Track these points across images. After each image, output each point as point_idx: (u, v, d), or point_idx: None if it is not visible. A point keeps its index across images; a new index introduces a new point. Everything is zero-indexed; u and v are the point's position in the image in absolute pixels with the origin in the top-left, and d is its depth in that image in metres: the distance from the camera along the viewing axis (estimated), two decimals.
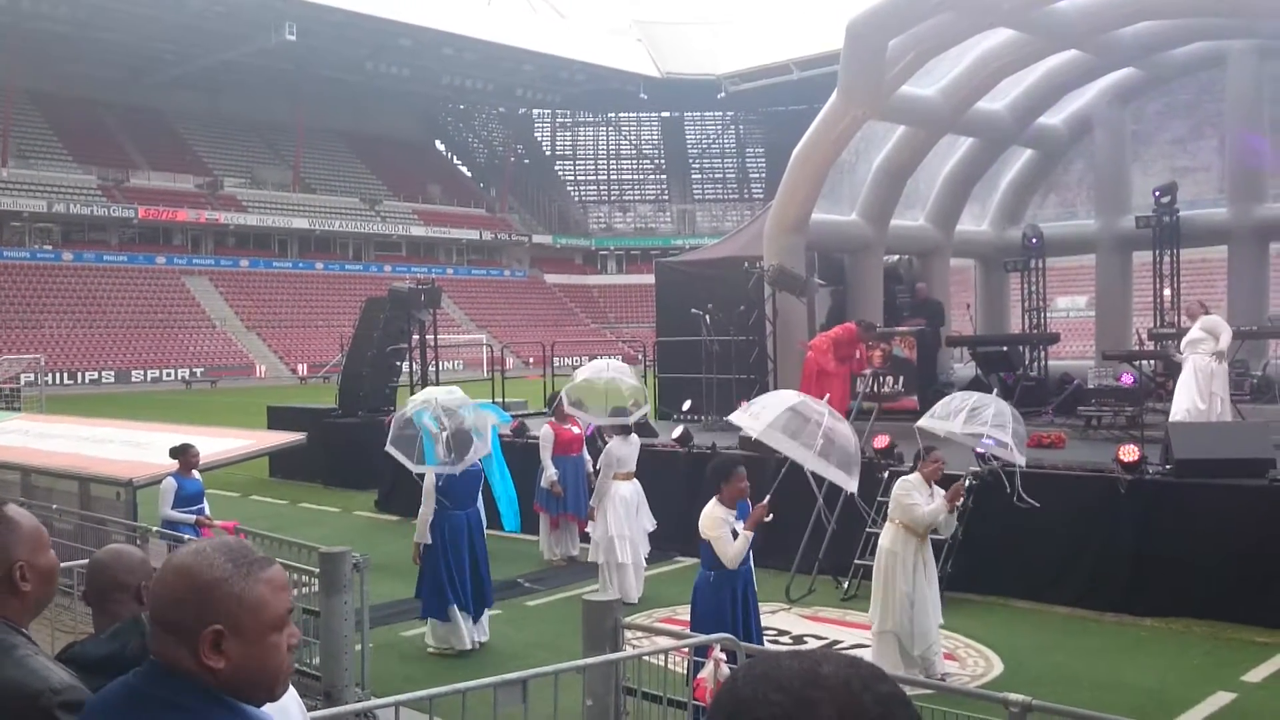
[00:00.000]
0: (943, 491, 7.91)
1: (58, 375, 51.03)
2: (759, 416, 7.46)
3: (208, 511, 9.70)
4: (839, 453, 7.18)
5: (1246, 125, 16.45)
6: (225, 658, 1.85)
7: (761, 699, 1.10)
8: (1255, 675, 7.92)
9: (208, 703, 1.85)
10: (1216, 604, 9.16)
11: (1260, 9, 13.63)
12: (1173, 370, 13.07)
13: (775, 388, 13.92)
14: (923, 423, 8.82)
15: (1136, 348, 16.25)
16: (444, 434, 8.88)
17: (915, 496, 7.81)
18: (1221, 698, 7.46)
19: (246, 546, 1.98)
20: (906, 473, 8.54)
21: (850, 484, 7.34)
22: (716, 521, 6.69)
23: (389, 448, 9.24)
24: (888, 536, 7.97)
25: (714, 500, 6.80)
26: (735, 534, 6.68)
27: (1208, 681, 7.80)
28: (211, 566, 1.88)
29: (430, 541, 8.92)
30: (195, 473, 9.71)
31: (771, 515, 6.96)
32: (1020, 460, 8.72)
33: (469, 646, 8.87)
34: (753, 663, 1.18)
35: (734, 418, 7.57)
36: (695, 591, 6.89)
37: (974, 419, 8.31)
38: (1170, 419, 11.57)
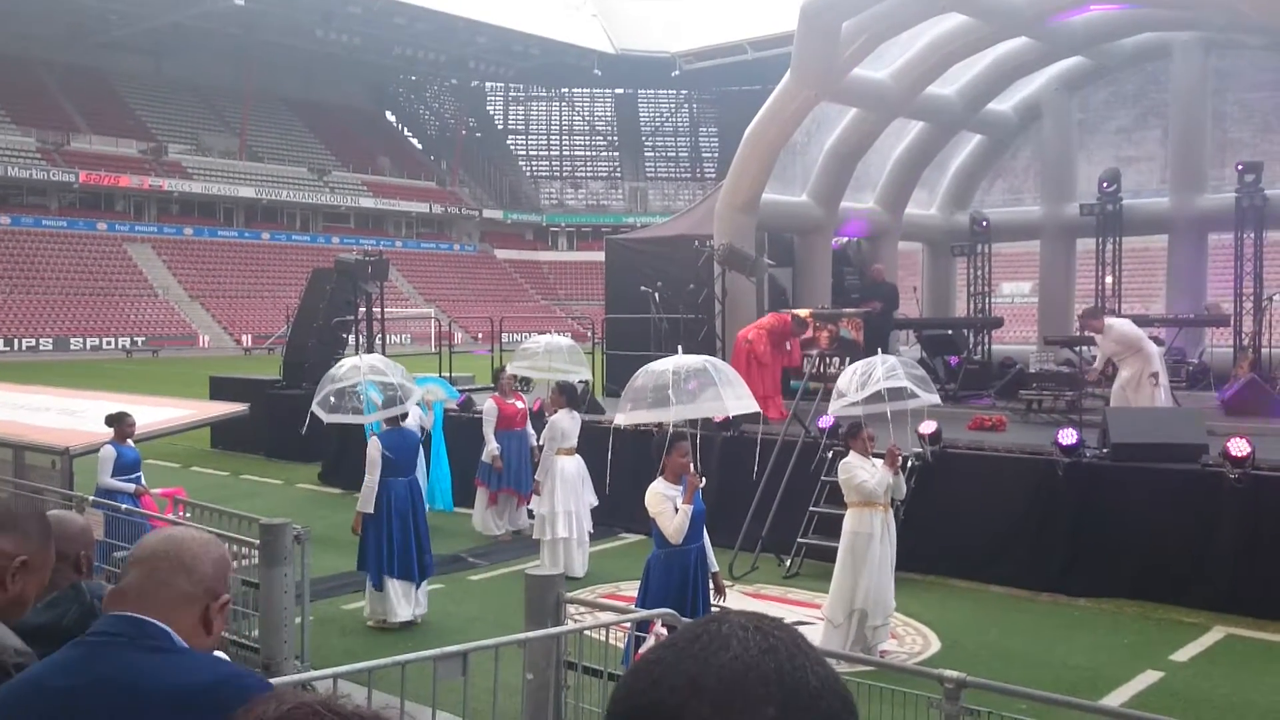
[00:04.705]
0: (879, 461, 8.02)
1: None
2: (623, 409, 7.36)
3: (144, 481, 9.59)
4: (708, 385, 7.09)
5: (1190, 117, 16.73)
6: (216, 626, 2.06)
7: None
8: (1182, 655, 8.13)
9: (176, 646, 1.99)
10: (1148, 585, 9.37)
11: (1203, 2, 13.83)
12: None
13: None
14: (833, 409, 9.06)
15: (1077, 333, 16.50)
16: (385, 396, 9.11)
17: (859, 473, 7.92)
18: (1150, 676, 7.65)
19: None
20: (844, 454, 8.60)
21: (734, 408, 7.26)
22: (658, 498, 6.69)
23: (329, 417, 9.26)
24: (850, 520, 8.04)
25: (659, 477, 6.81)
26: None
27: (1137, 660, 7.98)
28: (220, 544, 2.14)
29: (371, 511, 8.89)
30: (130, 441, 9.57)
31: (704, 480, 6.93)
32: (934, 398, 8.66)
33: (403, 618, 8.79)
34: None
35: (618, 419, 7.53)
36: (646, 569, 6.90)
37: (868, 383, 8.39)
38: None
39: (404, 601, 8.84)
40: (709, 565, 6.95)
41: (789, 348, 13.50)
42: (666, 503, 6.67)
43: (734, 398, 7.10)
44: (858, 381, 8.43)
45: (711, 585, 6.99)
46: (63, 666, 1.95)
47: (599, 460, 11.26)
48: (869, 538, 7.91)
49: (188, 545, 2.06)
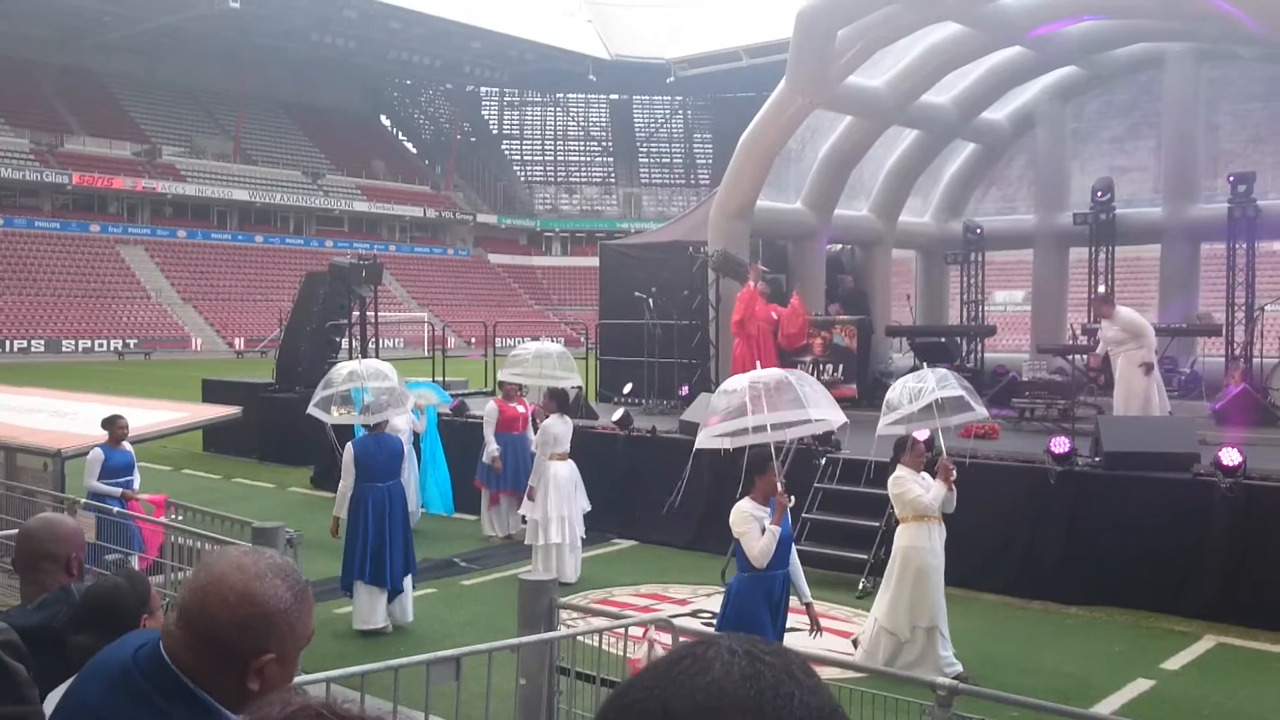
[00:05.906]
0: (929, 475, 7.86)
1: None
2: (703, 431, 7.13)
3: (137, 484, 9.58)
4: (794, 403, 6.83)
5: (1182, 127, 16.79)
6: (263, 680, 1.89)
7: None
8: (1173, 663, 8.14)
9: (194, 713, 1.86)
10: (1139, 594, 9.39)
11: (1196, 12, 13.87)
12: (1104, 366, 13.25)
13: (716, 372, 14.01)
14: (883, 430, 8.46)
15: (1070, 342, 16.54)
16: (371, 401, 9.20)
17: (914, 488, 7.71)
18: (1141, 684, 7.66)
19: (295, 570, 1.99)
20: (887, 465, 8.28)
21: (820, 423, 6.99)
22: (745, 517, 6.40)
23: (311, 408, 9.35)
24: (905, 536, 7.78)
25: (746, 497, 6.52)
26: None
27: (1128, 668, 8.00)
28: (277, 597, 1.90)
29: (343, 516, 8.91)
30: (126, 444, 9.55)
31: (793, 500, 6.73)
32: (982, 411, 8.49)
33: (364, 625, 8.74)
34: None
35: (700, 443, 7.28)
36: (727, 591, 6.65)
37: (921, 395, 8.23)
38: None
39: (371, 609, 8.78)
40: (802, 594, 6.68)
41: (776, 317, 13.65)
42: (753, 523, 6.38)
43: (819, 409, 6.81)
44: (909, 394, 8.25)
45: (808, 617, 6.73)
46: (103, 691, 1.92)
47: (591, 465, 11.30)
48: (929, 551, 7.67)
49: (238, 598, 1.88)
